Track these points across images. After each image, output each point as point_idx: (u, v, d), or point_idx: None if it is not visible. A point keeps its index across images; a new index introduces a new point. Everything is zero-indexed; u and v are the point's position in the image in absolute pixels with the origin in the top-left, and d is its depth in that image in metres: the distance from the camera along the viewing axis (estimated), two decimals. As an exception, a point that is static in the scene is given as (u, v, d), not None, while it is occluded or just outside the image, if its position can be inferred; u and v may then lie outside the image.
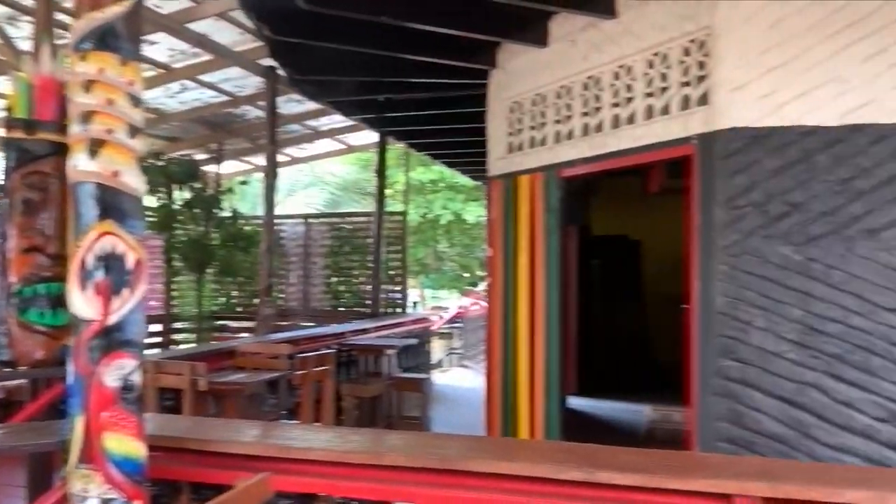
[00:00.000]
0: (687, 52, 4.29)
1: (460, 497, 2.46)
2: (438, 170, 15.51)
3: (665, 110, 4.42)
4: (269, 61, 7.62)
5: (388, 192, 12.69)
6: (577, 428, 6.39)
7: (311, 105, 9.56)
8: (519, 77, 5.78)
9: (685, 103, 4.28)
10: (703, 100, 4.14)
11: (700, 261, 4.09)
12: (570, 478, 2.33)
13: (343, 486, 2.59)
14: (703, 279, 4.05)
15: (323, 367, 5.38)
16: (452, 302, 17.90)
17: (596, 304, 9.04)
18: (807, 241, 3.79)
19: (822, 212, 3.78)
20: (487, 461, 2.46)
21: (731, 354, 3.90)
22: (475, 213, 16.30)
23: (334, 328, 8.78)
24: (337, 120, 10.69)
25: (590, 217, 9.43)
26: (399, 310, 11.85)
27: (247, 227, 10.91)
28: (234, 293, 12.61)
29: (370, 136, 11.44)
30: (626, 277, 9.48)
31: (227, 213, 10.34)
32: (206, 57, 8.48)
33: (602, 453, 2.59)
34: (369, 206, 12.57)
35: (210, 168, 11.38)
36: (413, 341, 9.07)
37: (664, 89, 4.44)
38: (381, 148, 10.78)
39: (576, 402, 7.85)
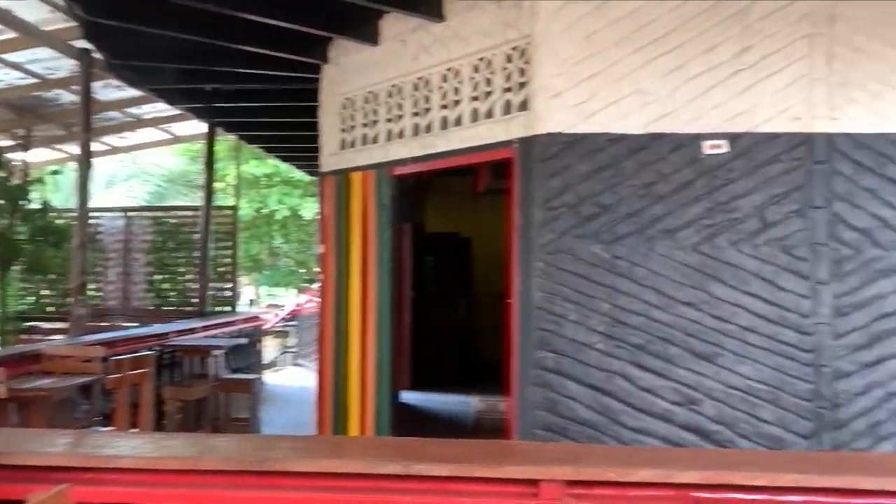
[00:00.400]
0: (509, 59, 4.48)
1: (279, 498, 2.43)
2: (273, 164, 15.15)
3: (489, 114, 4.59)
4: (83, 43, 7.08)
5: (218, 185, 12.24)
6: (409, 422, 6.52)
7: (134, 91, 8.98)
8: (351, 74, 5.77)
9: (507, 108, 4.47)
10: (524, 105, 4.34)
11: (520, 258, 4.29)
12: (387, 471, 2.36)
13: (154, 495, 2.46)
14: (523, 276, 4.26)
15: (141, 370, 5.09)
16: (289, 299, 17.55)
17: (429, 301, 9.23)
18: (614, 240, 4.09)
19: (627, 213, 4.09)
20: (306, 460, 2.44)
21: (548, 346, 4.13)
22: (312, 208, 16.07)
23: (157, 328, 8.34)
24: (161, 108, 10.11)
25: (423, 215, 9.61)
26: (229, 308, 11.47)
27: (59, 221, 10.10)
28: (45, 292, 11.66)
29: (199, 127, 10.95)
30: (458, 274, 9.76)
31: (36, 206, 9.51)
32: (10, 35, 7.73)
33: (422, 446, 2.65)
34: (199, 199, 12.05)
35: (16, 156, 10.42)
36: (243, 341, 8.82)
37: (488, 94, 4.61)
38: (210, 139, 10.38)
39: (408, 397, 7.99)
